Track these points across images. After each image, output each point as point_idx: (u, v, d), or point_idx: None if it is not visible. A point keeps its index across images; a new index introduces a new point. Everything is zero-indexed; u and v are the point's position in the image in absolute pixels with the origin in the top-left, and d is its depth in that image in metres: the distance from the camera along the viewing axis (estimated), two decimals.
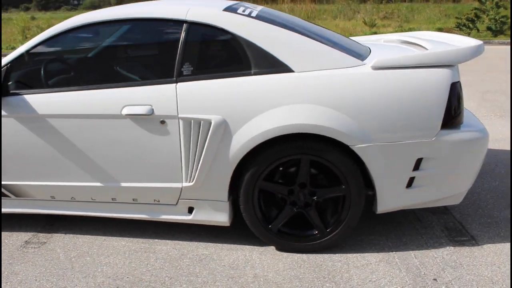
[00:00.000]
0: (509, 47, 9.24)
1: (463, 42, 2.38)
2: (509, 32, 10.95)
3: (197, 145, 2.14)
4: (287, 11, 21.76)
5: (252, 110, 2.08)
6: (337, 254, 2.25)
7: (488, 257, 2.20)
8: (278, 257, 2.24)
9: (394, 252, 2.26)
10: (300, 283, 2.03)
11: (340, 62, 2.13)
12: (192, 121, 2.11)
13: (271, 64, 2.13)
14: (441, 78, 2.09)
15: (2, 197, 2.40)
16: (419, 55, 2.15)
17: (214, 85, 2.13)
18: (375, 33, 11.40)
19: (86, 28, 2.24)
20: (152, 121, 2.15)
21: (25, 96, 2.22)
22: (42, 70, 2.26)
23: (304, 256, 2.24)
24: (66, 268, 2.17)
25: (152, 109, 2.13)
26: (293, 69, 2.11)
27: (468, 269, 2.10)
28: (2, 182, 2.35)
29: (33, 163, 2.29)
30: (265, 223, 2.25)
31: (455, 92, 2.12)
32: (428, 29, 12.22)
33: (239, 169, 2.18)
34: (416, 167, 2.14)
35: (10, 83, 2.28)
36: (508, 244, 2.31)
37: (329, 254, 2.25)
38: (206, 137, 2.11)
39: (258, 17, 2.27)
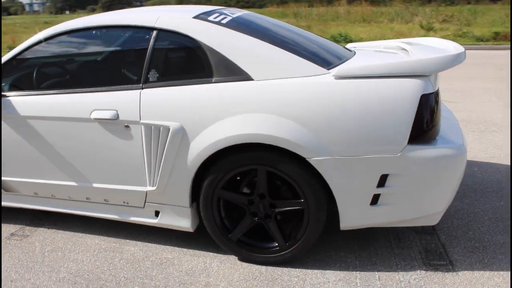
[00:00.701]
0: None
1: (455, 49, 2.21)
2: None
3: (157, 151, 2.17)
4: (343, 12, 21.47)
5: (209, 118, 2.07)
6: (297, 269, 2.18)
7: (460, 285, 2.02)
8: (237, 267, 2.22)
9: (358, 272, 2.14)
10: None
11: (302, 70, 2.06)
12: (152, 127, 2.15)
13: (232, 72, 2.11)
14: (409, 89, 1.95)
15: None
16: (386, 64, 2.02)
17: (175, 92, 2.15)
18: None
19: (62, 35, 2.38)
20: (117, 125, 2.22)
21: (11, 98, 2.39)
22: (23, 74, 2.43)
23: (263, 268, 2.20)
24: (36, 261, 2.30)
25: (117, 114, 2.20)
26: (252, 77, 2.08)
27: None
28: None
29: (16, 160, 2.46)
30: (225, 232, 2.23)
31: (426, 105, 1.96)
32: (483, 33, 11.41)
33: (200, 176, 2.19)
34: (381, 183, 2.01)
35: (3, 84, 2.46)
36: (487, 272, 2.10)
37: (288, 269, 2.19)
38: (165, 143, 2.14)
39: (228, 24, 2.26)
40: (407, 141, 1.96)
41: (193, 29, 2.21)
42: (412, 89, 1.95)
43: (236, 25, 2.29)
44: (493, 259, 2.21)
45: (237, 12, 2.61)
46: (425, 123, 1.97)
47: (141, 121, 2.17)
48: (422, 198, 2.05)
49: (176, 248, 2.40)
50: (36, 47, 2.45)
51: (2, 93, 2.43)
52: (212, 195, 2.17)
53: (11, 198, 2.61)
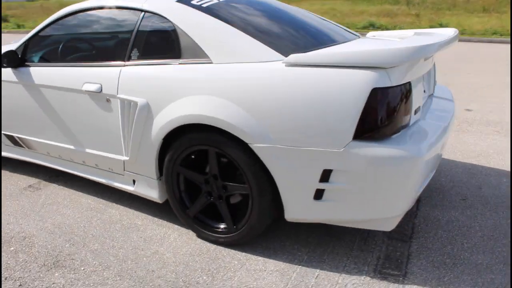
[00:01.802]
0: None
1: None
2: None
3: (129, 124, 2.35)
4: (461, 0, 19.59)
5: (170, 97, 2.17)
6: (242, 253, 2.21)
7: None
8: (190, 242, 2.32)
9: (300, 266, 2.09)
10: (182, 269, 2.09)
11: (259, 56, 2.04)
12: (125, 101, 2.32)
13: (197, 55, 2.17)
14: (358, 81, 1.82)
15: (18, 147, 3.05)
16: (340, 53, 1.89)
17: (146, 70, 2.29)
18: None
19: (70, 16, 2.68)
20: (101, 98, 2.44)
21: (30, 68, 2.77)
22: (39, 49, 2.79)
23: (213, 247, 2.27)
24: (34, 211, 2.67)
25: (101, 88, 2.42)
26: (212, 60, 2.12)
27: None
28: (17, 135, 2.98)
29: (32, 122, 2.85)
30: (184, 207, 2.34)
31: (379, 99, 1.81)
32: None
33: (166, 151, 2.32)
34: (324, 178, 1.92)
35: (26, 56, 2.85)
36: None
37: (235, 251, 2.22)
38: (134, 118, 2.30)
39: (206, 8, 2.31)
40: (352, 136, 1.84)
41: (172, 12, 2.31)
42: (361, 81, 1.81)
43: (216, 9, 2.33)
44: (455, 278, 1.98)
45: None
46: (377, 119, 1.83)
47: (118, 95, 2.36)
48: (369, 199, 1.92)
49: (149, 216, 2.58)
50: (51, 25, 2.79)
51: (26, 63, 2.82)
52: (172, 170, 2.29)
53: (32, 155, 3.03)
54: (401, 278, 1.99)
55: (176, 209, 2.38)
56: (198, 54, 2.17)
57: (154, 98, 2.23)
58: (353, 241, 2.29)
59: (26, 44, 2.84)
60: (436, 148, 2.02)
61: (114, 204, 2.74)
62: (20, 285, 1.99)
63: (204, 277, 2.03)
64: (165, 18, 2.31)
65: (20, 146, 3.04)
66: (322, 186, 1.94)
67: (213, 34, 2.17)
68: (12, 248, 2.28)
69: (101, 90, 2.42)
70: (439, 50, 1.96)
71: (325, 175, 1.92)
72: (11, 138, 3.05)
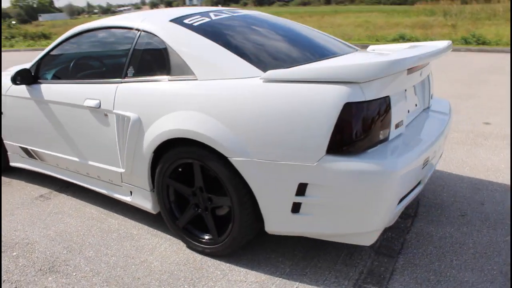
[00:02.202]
0: None
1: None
2: None
3: (123, 138, 2.47)
4: (502, 10, 18.96)
5: (159, 112, 2.28)
6: (227, 264, 2.25)
7: None
8: (180, 252, 2.39)
9: (280, 279, 2.11)
10: (166, 277, 2.16)
11: (239, 72, 2.11)
12: (120, 116, 2.45)
13: (184, 72, 2.27)
14: (330, 96, 1.85)
15: (32, 159, 3.25)
16: (313, 68, 1.93)
17: (138, 86, 2.41)
18: None
19: (77, 36, 2.88)
20: (99, 113, 2.58)
21: (41, 85, 2.97)
22: (49, 67, 2.99)
23: (199, 257, 2.33)
24: (40, 219, 2.84)
25: (100, 103, 2.57)
26: (197, 77, 2.21)
27: None
28: (31, 147, 3.19)
29: (42, 135, 3.04)
30: (173, 218, 2.42)
31: (352, 114, 1.83)
32: None
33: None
34: (301, 192, 1.95)
35: (39, 74, 3.06)
36: None
37: (220, 262, 2.27)
38: (128, 131, 2.42)
39: (197, 27, 2.41)
40: (325, 151, 1.86)
41: (164, 31, 2.43)
42: (334, 96, 1.84)
43: (205, 27, 2.43)
44: None
45: (227, 14, 2.73)
46: (351, 133, 1.85)
47: (113, 110, 2.49)
48: (344, 213, 1.93)
49: (145, 227, 2.68)
50: (61, 45, 3.00)
51: (39, 81, 3.03)
52: (162, 182, 2.38)
53: (44, 166, 3.23)
54: None
55: (166, 220, 2.46)
56: (185, 71, 2.27)
57: (145, 113, 2.34)
58: (338, 255, 2.29)
59: (39, 63, 3.06)
60: (417, 162, 2.00)
61: (114, 214, 2.87)
62: (16, 287, 2.13)
63: (186, 286, 2.09)
64: (158, 37, 2.44)
65: (34, 158, 3.25)
66: (298, 199, 1.97)
67: (199, 52, 2.26)
68: (14, 253, 2.43)
69: (100, 105, 2.56)
70: (419, 63, 1.96)
71: (301, 189, 1.95)
72: (25, 150, 3.27)
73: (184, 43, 2.33)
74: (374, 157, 1.86)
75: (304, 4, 75.47)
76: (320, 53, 2.50)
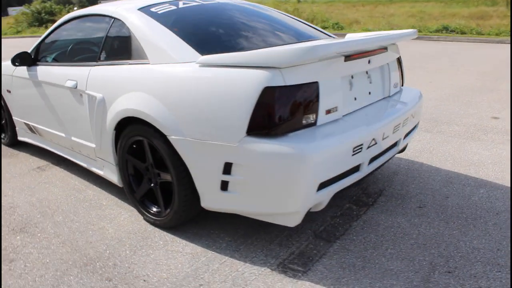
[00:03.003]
0: None
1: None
2: None
3: (93, 116, 2.69)
4: None
5: (118, 93, 2.46)
6: (171, 236, 2.41)
7: None
8: (136, 222, 2.58)
9: (213, 252, 2.24)
10: (115, 243, 2.36)
11: (184, 57, 2.23)
12: (90, 96, 2.67)
13: (141, 56, 2.43)
14: (251, 80, 1.92)
15: (33, 133, 3.58)
16: (240, 54, 2.01)
17: (105, 70, 2.61)
18: None
19: (67, 23, 3.14)
20: (76, 92, 2.82)
21: (37, 67, 3.27)
22: (45, 51, 3.28)
23: (150, 228, 2.51)
24: (30, 187, 3.15)
25: (77, 84, 2.80)
26: (149, 61, 2.36)
27: None
28: (31, 123, 3.52)
29: (38, 112, 3.35)
30: (131, 190, 2.62)
31: (270, 98, 1.90)
32: None
33: None
34: (227, 171, 2.05)
35: (38, 57, 3.37)
36: None
37: (166, 233, 2.44)
38: (95, 110, 2.63)
39: (159, 15, 2.55)
40: (245, 132, 1.95)
41: (130, 18, 2.60)
42: (254, 80, 1.92)
43: (167, 15, 2.57)
44: (354, 280, 1.97)
45: (196, 2, 2.84)
46: (269, 116, 1.91)
47: (86, 91, 2.71)
48: (266, 193, 2.01)
49: (115, 198, 2.90)
50: (54, 31, 3.28)
51: (37, 63, 3.33)
52: (121, 157, 2.58)
53: (42, 141, 3.55)
54: (299, 274, 2.04)
55: (126, 192, 2.66)
56: (142, 56, 2.43)
57: (108, 94, 2.54)
58: (277, 236, 2.37)
59: (38, 47, 3.36)
60: (343, 149, 2.02)
61: (94, 186, 3.12)
62: None
63: (127, 252, 2.28)
64: (125, 24, 2.61)
65: (34, 133, 3.58)
66: (225, 178, 2.08)
67: (154, 38, 2.41)
68: None
69: (77, 86, 2.80)
70: (339, 50, 1.98)
71: (227, 168, 2.05)
72: (28, 126, 3.61)
73: (143, 30, 2.48)
74: (291, 140, 1.92)
75: None
76: (277, 40, 2.56)
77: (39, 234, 2.49)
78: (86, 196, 2.96)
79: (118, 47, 2.66)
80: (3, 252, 2.33)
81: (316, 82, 2.01)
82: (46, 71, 3.15)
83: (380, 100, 2.55)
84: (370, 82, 2.47)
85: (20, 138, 3.85)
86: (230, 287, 1.97)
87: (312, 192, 1.99)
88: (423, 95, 2.95)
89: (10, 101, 3.73)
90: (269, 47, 2.38)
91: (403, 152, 3.50)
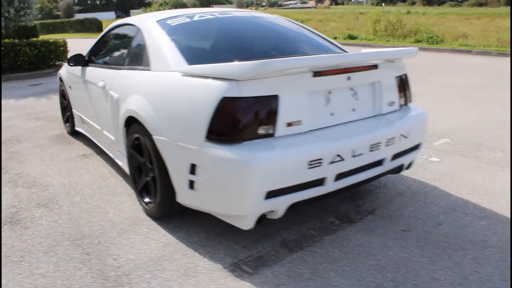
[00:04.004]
0: None
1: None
2: None
3: (112, 113, 3.08)
4: None
5: (126, 95, 2.81)
6: (156, 225, 2.66)
7: None
8: (134, 210, 2.89)
9: (182, 244, 2.44)
10: (108, 225, 2.69)
11: (175, 66, 2.48)
12: (111, 95, 3.07)
13: (148, 64, 2.74)
14: (211, 90, 2.10)
15: (84, 124, 4.15)
16: (208, 66, 2.19)
17: (124, 73, 2.99)
18: None
19: (110, 31, 3.62)
20: (104, 92, 3.25)
21: (87, 68, 3.80)
22: (94, 53, 3.80)
23: (143, 216, 2.79)
24: (68, 171, 3.67)
25: (105, 85, 3.23)
26: (151, 68, 2.66)
27: None
28: (81, 115, 4.07)
29: (85, 106, 3.89)
30: (134, 180, 2.94)
31: (227, 107, 2.05)
32: None
33: None
34: (192, 171, 2.25)
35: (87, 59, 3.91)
36: None
37: (153, 222, 2.70)
38: (113, 108, 3.02)
39: (171, 27, 2.85)
40: (204, 137, 2.13)
41: (147, 30, 2.94)
42: (214, 90, 2.10)
43: (178, 28, 2.86)
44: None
45: (212, 16, 3.08)
46: (225, 124, 2.07)
47: (109, 91, 3.12)
48: (220, 195, 2.16)
49: (129, 188, 3.25)
50: (103, 37, 3.78)
51: (89, 64, 3.87)
52: (128, 151, 2.92)
53: (89, 132, 4.09)
54: (245, 275, 2.15)
55: (132, 182, 3.00)
56: (148, 63, 2.75)
57: (121, 94, 2.91)
58: (247, 238, 2.49)
59: (91, 50, 3.90)
60: (296, 161, 2.08)
61: (118, 176, 3.53)
62: (17, 211, 2.94)
63: (114, 234, 2.59)
64: (143, 34, 2.96)
65: (85, 124, 4.15)
66: (192, 177, 2.27)
67: (158, 47, 2.71)
68: (33, 190, 3.29)
69: (105, 86, 3.23)
70: (297, 66, 2.05)
71: (193, 168, 2.25)
72: (80, 117, 4.19)
73: (154, 41, 2.80)
74: (242, 148, 2.05)
75: (480, 5, 66.56)
76: (274, 54, 2.69)
77: (55, 210, 2.94)
78: (107, 184, 3.38)
79: (136, 54, 3.02)
80: (23, 220, 2.81)
81: (276, 96, 2.11)
82: (91, 72, 3.66)
83: (368, 117, 2.53)
84: (356, 99, 2.47)
85: (76, 128, 4.48)
86: (180, 276, 2.16)
87: (259, 199, 2.08)
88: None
89: (70, 95, 4.37)
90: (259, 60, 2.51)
91: (420, 174, 3.36)
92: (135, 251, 2.40)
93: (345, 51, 3.04)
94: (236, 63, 2.06)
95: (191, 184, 2.30)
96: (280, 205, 2.18)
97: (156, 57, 2.67)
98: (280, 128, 2.15)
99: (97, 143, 3.89)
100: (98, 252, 2.40)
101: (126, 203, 3.02)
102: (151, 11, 28.60)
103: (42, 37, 12.25)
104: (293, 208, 2.26)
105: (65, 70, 4.45)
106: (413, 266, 2.19)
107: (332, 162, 2.20)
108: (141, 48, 2.92)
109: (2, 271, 2.25)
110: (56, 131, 4.95)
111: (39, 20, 24.62)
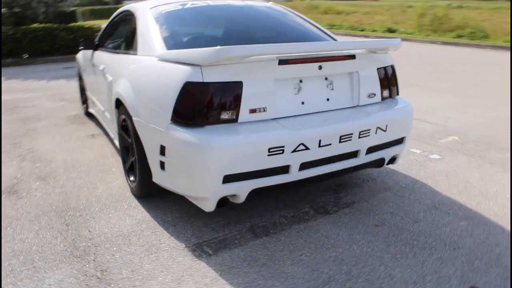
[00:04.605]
0: None
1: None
2: None
3: (108, 94, 3.22)
4: None
5: (116, 78, 2.93)
6: (137, 203, 2.78)
7: (167, 273, 2.13)
8: (123, 188, 3.02)
9: (155, 223, 2.53)
10: (94, 200, 2.83)
11: (155, 50, 2.55)
12: (108, 78, 3.20)
13: (136, 48, 2.84)
14: (177, 75, 2.16)
15: (95, 106, 4.35)
16: (176, 52, 2.26)
17: (116, 57, 3.11)
18: None
19: (117, 16, 3.74)
20: (104, 74, 3.39)
21: (95, 52, 3.97)
22: (101, 38, 3.96)
23: (128, 193, 2.92)
24: (74, 149, 3.87)
25: (104, 68, 3.37)
26: (137, 53, 2.76)
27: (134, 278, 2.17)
28: (92, 97, 4.27)
29: (93, 89, 4.07)
30: (123, 160, 3.07)
31: (189, 92, 2.11)
32: None
33: None
34: (162, 152, 2.32)
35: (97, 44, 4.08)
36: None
37: (134, 200, 2.82)
38: (108, 90, 3.16)
39: (162, 13, 2.92)
40: (170, 119, 2.20)
41: (140, 16, 3.03)
42: (179, 75, 2.16)
43: (167, 14, 2.92)
44: (243, 274, 2.07)
45: (203, 3, 3.12)
46: (188, 108, 2.13)
47: (106, 74, 3.26)
48: (184, 176, 2.23)
49: (118, 163, 3.40)
50: (109, 24, 3.93)
51: (98, 48, 4.05)
52: (118, 131, 3.05)
53: (97, 112, 4.29)
54: (204, 256, 2.21)
55: (122, 162, 3.13)
56: (136, 48, 2.84)
57: (114, 77, 3.03)
58: (218, 222, 2.54)
59: (100, 35, 4.07)
60: (254, 148, 2.09)
61: (117, 156, 3.69)
62: (17, 182, 3.16)
63: (97, 208, 2.73)
64: (136, 19, 3.06)
65: (95, 106, 4.36)
66: (162, 158, 2.35)
67: (146, 33, 2.79)
68: (37, 165, 3.51)
69: (104, 69, 3.37)
70: (250, 54, 2.06)
71: (162, 150, 2.32)
72: (92, 99, 4.40)
73: (144, 26, 2.89)
74: (202, 132, 2.10)
75: None
76: (258, 39, 2.71)
77: (51, 184, 3.13)
78: (105, 162, 3.54)
79: (129, 39, 3.13)
80: (21, 191, 3.02)
81: (240, 82, 2.13)
82: (97, 56, 3.83)
83: (344, 108, 2.50)
84: (332, 89, 2.45)
85: (89, 110, 4.71)
86: (143, 251, 2.26)
87: (217, 182, 2.13)
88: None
89: (84, 78, 4.60)
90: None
91: (415, 171, 3.27)
92: (110, 226, 2.53)
93: (335, 39, 3.00)
94: (198, 49, 2.10)
95: (162, 165, 2.38)
96: (240, 190, 2.21)
97: (142, 42, 2.76)
98: (243, 114, 2.18)
99: (102, 123, 4.07)
100: (77, 224, 2.55)
101: (117, 181, 3.16)
102: None
103: (88, 22, 12.79)
104: (257, 193, 2.29)
105: (82, 54, 4.67)
106: (372, 261, 2.16)
107: (295, 151, 2.20)
108: (133, 33, 3.02)
109: None
110: (75, 112, 5.22)
111: (87, 6, 25.66)
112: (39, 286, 2.00)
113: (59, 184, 3.11)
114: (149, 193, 2.78)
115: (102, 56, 3.59)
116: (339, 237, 2.39)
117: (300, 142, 2.20)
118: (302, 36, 2.88)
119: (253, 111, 2.20)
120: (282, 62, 2.19)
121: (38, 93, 6.41)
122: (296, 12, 3.40)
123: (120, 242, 2.35)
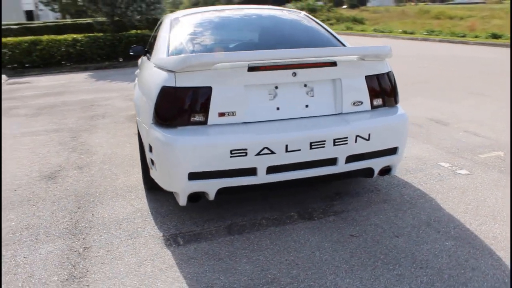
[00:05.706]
0: None
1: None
2: None
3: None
4: None
5: (137, 82, 3.27)
6: (143, 194, 3.08)
7: (125, 265, 2.35)
8: (139, 180, 3.36)
9: (148, 214, 2.79)
10: (111, 189, 3.21)
11: (158, 57, 2.82)
12: (137, 78, 3.58)
13: (151, 54, 3.15)
14: (158, 80, 2.39)
15: None
16: (160, 58, 2.48)
17: (143, 62, 3.46)
18: None
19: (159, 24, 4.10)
20: (135, 76, 3.78)
21: (143, 56, 4.41)
22: (148, 45, 4.38)
23: (140, 186, 3.24)
24: (119, 144, 4.35)
25: (137, 72, 3.77)
26: (150, 59, 3.06)
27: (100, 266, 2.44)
28: None
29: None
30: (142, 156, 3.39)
31: (164, 96, 2.32)
32: None
33: None
34: (150, 150, 2.57)
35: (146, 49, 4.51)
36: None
37: (144, 192, 3.12)
38: (137, 89, 3.53)
39: (180, 23, 3.17)
40: (151, 120, 2.44)
41: (163, 23, 3.34)
42: (159, 80, 2.39)
43: (184, 23, 3.17)
44: (198, 265, 2.21)
45: (227, 14, 3.31)
46: (163, 110, 2.35)
47: (137, 76, 3.65)
48: (162, 172, 2.44)
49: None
50: (155, 31, 4.33)
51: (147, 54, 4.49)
52: (138, 131, 3.39)
53: None
54: (173, 246, 2.39)
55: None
56: (151, 54, 3.15)
57: (137, 80, 3.39)
58: (203, 217, 2.70)
59: (150, 41, 4.51)
60: (218, 149, 2.22)
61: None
62: (59, 170, 3.69)
63: (109, 196, 3.09)
64: (160, 28, 3.38)
65: None
66: (150, 156, 2.60)
67: (159, 40, 3.09)
68: (82, 156, 4.03)
69: (137, 73, 3.77)
70: (220, 62, 2.18)
71: (150, 148, 2.57)
72: None
73: (160, 34, 3.19)
74: (172, 133, 2.29)
75: None
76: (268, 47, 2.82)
77: (84, 172, 3.60)
78: (125, 152, 3.95)
79: (152, 46, 3.46)
80: (58, 178, 3.53)
81: (210, 87, 2.28)
82: (142, 60, 4.26)
83: (325, 115, 2.49)
84: (312, 96, 2.47)
85: None
86: (125, 236, 2.53)
87: (183, 179, 2.30)
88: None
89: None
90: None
91: (430, 184, 3.09)
92: (111, 211, 2.86)
93: (345, 45, 2.97)
94: (174, 57, 2.31)
95: (152, 162, 2.63)
96: (208, 188, 2.35)
97: (155, 49, 3.06)
98: (212, 117, 2.32)
99: None
100: (86, 208, 2.93)
101: (138, 174, 3.51)
102: (295, 6, 29.20)
103: None
104: (227, 193, 2.42)
105: (140, 59, 5.20)
106: (326, 270, 2.14)
107: (259, 154, 2.28)
108: (155, 40, 3.35)
109: (20, 208, 2.94)
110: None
111: None
112: (32, 254, 2.38)
113: (90, 174, 3.57)
114: (152, 186, 3.05)
115: (142, 61, 4.01)
116: (307, 243, 2.39)
117: (264, 146, 2.27)
118: (312, 43, 2.89)
119: (222, 114, 2.33)
120: (251, 69, 2.29)
121: (116, 94, 7.23)
122: (321, 23, 3.38)
123: (111, 226, 2.65)
